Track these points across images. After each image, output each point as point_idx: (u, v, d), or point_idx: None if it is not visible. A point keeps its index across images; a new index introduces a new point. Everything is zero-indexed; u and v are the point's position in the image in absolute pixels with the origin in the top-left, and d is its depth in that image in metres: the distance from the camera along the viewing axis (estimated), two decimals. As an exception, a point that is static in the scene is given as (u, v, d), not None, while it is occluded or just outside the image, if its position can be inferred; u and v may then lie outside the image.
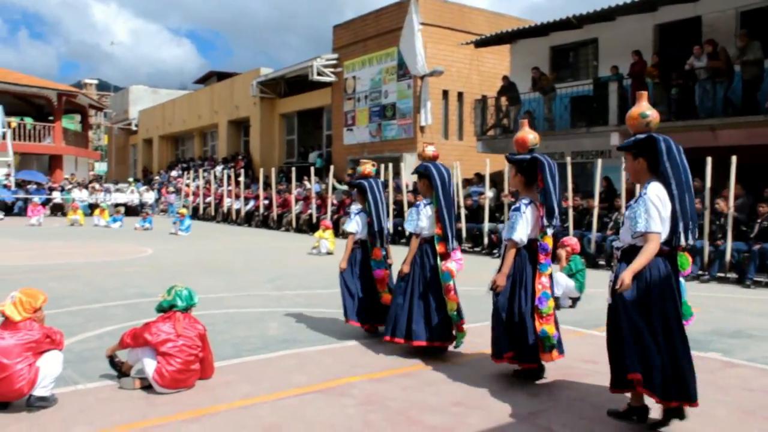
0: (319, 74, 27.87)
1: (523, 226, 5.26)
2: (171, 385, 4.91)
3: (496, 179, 18.03)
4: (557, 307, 8.62)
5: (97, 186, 33.03)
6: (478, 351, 6.25)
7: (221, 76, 41.84)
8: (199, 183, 30.34)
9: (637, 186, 4.72)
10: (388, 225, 7.30)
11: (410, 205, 15.48)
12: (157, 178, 38.83)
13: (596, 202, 14.17)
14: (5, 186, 30.46)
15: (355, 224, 7.01)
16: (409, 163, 23.28)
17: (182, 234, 20.34)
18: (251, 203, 26.45)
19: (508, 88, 20.58)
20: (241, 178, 27.87)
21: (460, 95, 25.39)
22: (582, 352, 6.35)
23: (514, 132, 19.78)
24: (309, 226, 21.53)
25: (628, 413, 4.47)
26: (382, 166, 19.31)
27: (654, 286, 4.24)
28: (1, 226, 23.24)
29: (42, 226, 23.94)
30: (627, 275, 4.18)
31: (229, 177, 27.84)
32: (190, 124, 40.94)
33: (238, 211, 26.72)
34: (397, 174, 21.15)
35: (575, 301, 9.00)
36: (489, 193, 16.41)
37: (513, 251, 5.29)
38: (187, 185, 31.09)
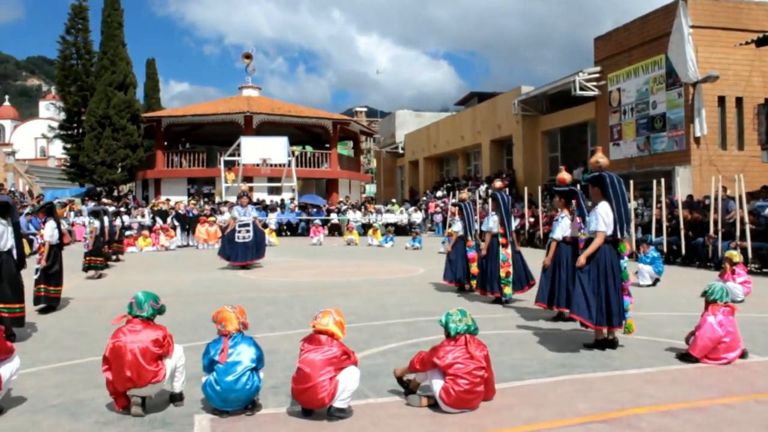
0: (581, 89, 27.26)
1: (559, 230, 8.91)
2: (456, 404, 5.07)
3: (786, 191, 16.34)
4: None
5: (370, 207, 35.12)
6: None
7: (481, 96, 42.54)
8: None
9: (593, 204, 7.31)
10: (476, 226, 12.17)
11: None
12: (423, 198, 40.33)
13: None
14: (291, 209, 33.53)
15: (457, 227, 12.17)
16: (684, 177, 21.87)
17: (450, 253, 20.87)
18: (516, 221, 26.49)
19: (798, 90, 18.62)
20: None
21: (738, 101, 23.34)
22: None
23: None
24: (576, 244, 21.01)
25: (597, 344, 7.21)
26: (654, 181, 18.44)
27: (600, 260, 6.98)
28: (288, 246, 25.58)
29: (322, 245, 26.01)
30: (583, 258, 7.05)
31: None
32: (453, 145, 42.02)
33: (502, 230, 26.84)
34: (669, 189, 20.03)
35: None
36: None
37: (554, 244, 8.95)
38: (453, 205, 31.88)
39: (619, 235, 7.02)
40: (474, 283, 11.46)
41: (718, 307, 6.68)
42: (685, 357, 6.70)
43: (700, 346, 6.55)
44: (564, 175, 8.92)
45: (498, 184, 11.19)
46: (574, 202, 8.78)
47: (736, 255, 11.45)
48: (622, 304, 7.00)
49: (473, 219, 11.75)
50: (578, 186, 8.83)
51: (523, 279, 10.60)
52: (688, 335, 6.93)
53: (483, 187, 33.32)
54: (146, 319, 5.25)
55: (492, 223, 10.49)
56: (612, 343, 7.21)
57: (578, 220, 8.52)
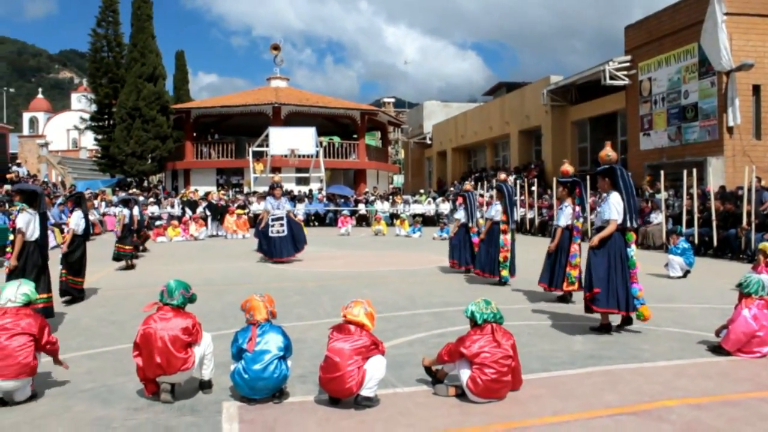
0: (611, 78, 26.92)
1: (564, 218, 9.79)
2: (484, 393, 5.06)
3: (822, 182, 15.99)
4: None
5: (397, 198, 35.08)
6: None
7: (510, 86, 42.24)
8: (493, 193, 30.75)
9: (604, 194, 7.80)
10: (479, 217, 13.59)
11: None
12: (451, 189, 40.18)
13: None
14: (319, 199, 33.59)
15: (460, 215, 13.48)
16: (716, 168, 21.52)
17: (478, 244, 20.81)
18: (545, 212, 26.33)
19: (835, 78, 18.21)
20: (534, 188, 27.84)
21: (774, 89, 22.92)
22: None
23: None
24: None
25: (600, 329, 7.62)
26: (685, 171, 18.18)
27: (611, 247, 7.47)
28: (316, 236, 25.53)
29: (350, 235, 26.02)
30: (596, 239, 7.49)
31: (521, 186, 27.87)
32: (481, 136, 41.80)
33: (531, 221, 26.75)
34: (701, 180, 19.72)
35: None
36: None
37: (560, 231, 9.81)
38: (481, 195, 31.74)
39: (628, 225, 7.56)
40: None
41: (753, 301, 6.58)
42: (717, 350, 6.60)
43: (733, 340, 6.45)
44: (567, 167, 9.94)
45: (502, 176, 12.60)
46: (576, 191, 9.69)
47: (770, 247, 11.24)
48: (630, 290, 7.52)
49: (475, 207, 13.38)
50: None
51: (514, 268, 11.74)
52: (719, 328, 6.83)
53: (511, 178, 33.10)
54: (177, 307, 5.30)
55: (494, 211, 11.64)
56: (628, 320, 7.77)
57: (578, 209, 9.58)
